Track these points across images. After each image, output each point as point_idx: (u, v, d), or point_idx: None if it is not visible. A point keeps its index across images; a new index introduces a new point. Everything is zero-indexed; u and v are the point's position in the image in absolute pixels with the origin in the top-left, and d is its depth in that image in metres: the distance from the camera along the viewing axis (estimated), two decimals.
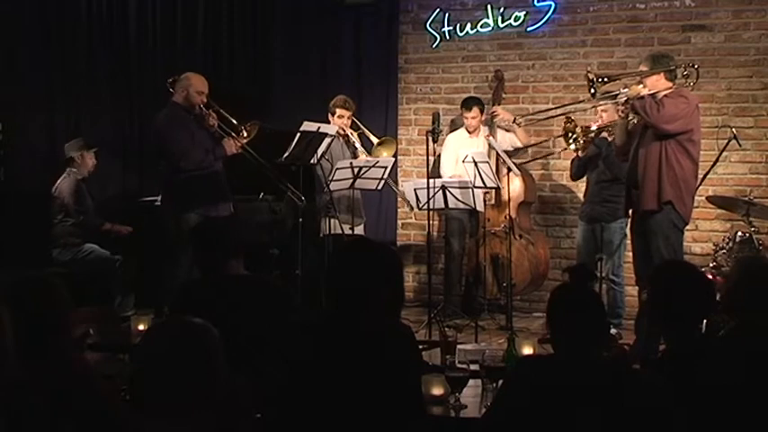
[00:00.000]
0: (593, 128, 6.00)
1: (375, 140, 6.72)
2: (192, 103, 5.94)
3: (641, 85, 5.30)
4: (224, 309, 3.22)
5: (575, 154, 6.37)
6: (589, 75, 5.36)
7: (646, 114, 5.17)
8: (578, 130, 5.87)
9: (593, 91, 5.37)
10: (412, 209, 6.76)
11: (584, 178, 6.52)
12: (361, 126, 6.80)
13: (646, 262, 5.17)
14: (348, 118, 6.68)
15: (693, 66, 5.42)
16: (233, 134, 5.96)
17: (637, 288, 5.61)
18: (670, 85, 5.29)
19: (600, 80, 5.33)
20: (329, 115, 6.65)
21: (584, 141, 5.93)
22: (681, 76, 5.37)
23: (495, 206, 6.89)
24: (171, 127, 5.91)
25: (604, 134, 6.09)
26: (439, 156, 7.01)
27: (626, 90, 5.40)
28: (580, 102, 6.35)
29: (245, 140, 5.98)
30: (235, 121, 6.00)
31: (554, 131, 6.89)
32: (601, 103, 5.88)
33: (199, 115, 5.96)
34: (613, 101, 5.53)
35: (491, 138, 6.87)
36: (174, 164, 5.89)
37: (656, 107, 5.14)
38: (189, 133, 5.89)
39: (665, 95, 5.23)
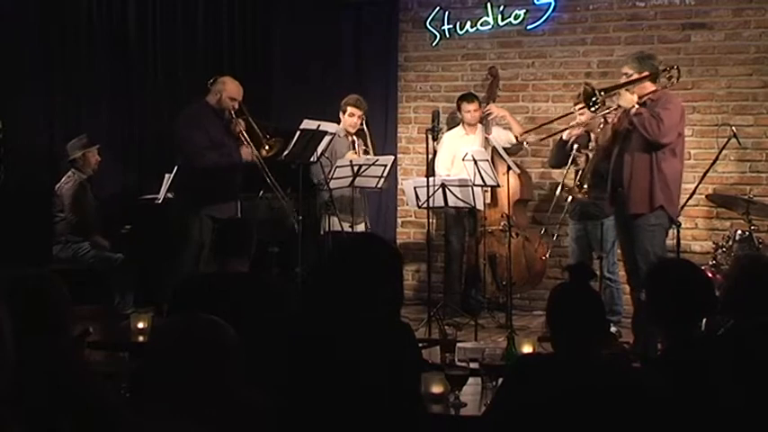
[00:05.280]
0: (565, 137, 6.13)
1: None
2: (223, 108, 6.06)
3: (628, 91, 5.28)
4: (223, 306, 3.21)
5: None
6: (586, 91, 5.34)
7: (647, 132, 5.12)
8: (597, 92, 5.75)
9: (593, 109, 5.37)
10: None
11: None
12: (368, 132, 6.81)
13: (631, 259, 5.23)
14: (359, 117, 6.70)
15: (675, 68, 5.40)
16: (252, 144, 6.04)
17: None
18: (655, 87, 5.31)
19: (598, 94, 5.32)
20: (340, 113, 6.67)
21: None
22: (665, 78, 5.38)
23: (491, 205, 6.88)
24: (188, 127, 6.03)
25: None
26: (435, 153, 7.01)
27: (619, 100, 5.37)
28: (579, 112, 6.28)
29: (265, 154, 6.02)
30: (261, 134, 6.08)
31: (552, 130, 6.84)
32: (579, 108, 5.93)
33: (228, 120, 6.07)
34: (607, 111, 5.50)
35: (491, 136, 6.87)
36: (188, 163, 6.05)
37: (657, 123, 5.10)
38: (205, 133, 5.98)
39: (660, 107, 5.18)
